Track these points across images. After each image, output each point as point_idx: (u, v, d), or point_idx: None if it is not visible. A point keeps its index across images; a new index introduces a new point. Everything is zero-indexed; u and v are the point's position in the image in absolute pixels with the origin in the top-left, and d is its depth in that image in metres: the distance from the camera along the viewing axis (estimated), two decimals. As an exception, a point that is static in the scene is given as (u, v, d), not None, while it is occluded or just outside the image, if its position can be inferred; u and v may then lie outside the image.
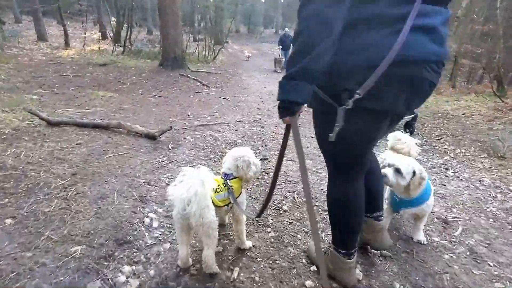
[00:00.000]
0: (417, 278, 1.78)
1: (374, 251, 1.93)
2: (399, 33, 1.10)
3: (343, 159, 1.48)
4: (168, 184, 2.29)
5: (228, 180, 1.79)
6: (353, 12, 1.15)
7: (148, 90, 7.21)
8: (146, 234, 1.94)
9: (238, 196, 1.80)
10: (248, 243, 1.92)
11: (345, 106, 1.22)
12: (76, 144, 3.14)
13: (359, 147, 1.43)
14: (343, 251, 1.63)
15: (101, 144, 3.22)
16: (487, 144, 4.54)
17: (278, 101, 1.26)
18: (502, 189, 3.09)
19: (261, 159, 3.20)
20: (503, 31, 8.09)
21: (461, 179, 3.29)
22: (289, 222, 2.24)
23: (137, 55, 12.95)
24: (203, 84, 8.69)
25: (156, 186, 2.50)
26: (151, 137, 3.57)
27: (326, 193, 1.63)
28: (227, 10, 21.97)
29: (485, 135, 5.01)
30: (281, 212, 2.37)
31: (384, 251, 1.95)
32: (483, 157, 4.06)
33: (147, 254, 1.79)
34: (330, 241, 1.72)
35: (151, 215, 2.13)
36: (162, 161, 3.00)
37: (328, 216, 1.89)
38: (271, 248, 1.95)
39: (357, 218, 1.57)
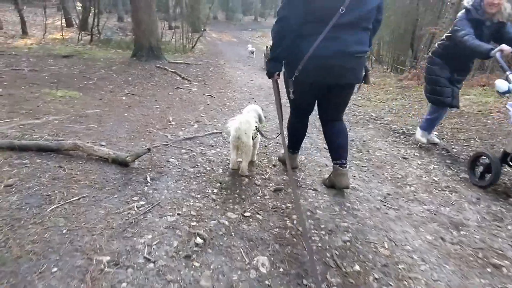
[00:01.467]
0: None
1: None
2: (315, 41, 2.13)
3: (295, 105, 2.70)
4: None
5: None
6: (298, 30, 2.20)
7: (120, 87, 6.09)
8: None
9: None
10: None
11: (291, 78, 2.34)
12: (4, 186, 2.07)
13: (301, 101, 2.59)
14: (291, 150, 2.91)
15: (46, 183, 2.18)
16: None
17: (267, 71, 2.47)
18: None
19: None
20: None
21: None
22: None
23: (107, 44, 11.57)
24: (183, 78, 7.63)
25: (129, 268, 1.54)
26: (121, 164, 2.60)
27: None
28: (204, -6, 20.56)
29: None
30: None
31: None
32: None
33: None
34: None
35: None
36: (137, 209, 2.02)
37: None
38: None
39: (299, 137, 2.87)
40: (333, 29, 2.06)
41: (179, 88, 6.58)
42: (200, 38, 14.28)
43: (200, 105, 5.24)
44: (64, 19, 14.13)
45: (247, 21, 32.26)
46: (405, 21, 10.72)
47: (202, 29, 15.79)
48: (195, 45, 13.26)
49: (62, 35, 12.06)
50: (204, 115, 4.67)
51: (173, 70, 8.18)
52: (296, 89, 2.37)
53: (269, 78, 2.42)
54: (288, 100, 2.66)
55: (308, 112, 2.67)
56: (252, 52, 13.15)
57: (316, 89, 2.41)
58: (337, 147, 2.51)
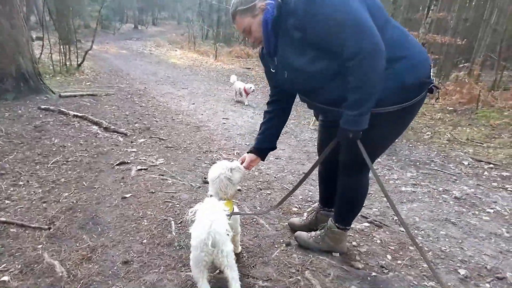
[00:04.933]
0: None
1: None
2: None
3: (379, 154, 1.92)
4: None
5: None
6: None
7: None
8: None
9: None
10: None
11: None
12: None
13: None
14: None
15: None
16: None
17: (355, 131, 1.55)
18: None
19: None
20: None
21: None
22: None
23: None
24: (108, 129, 4.22)
25: None
26: None
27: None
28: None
29: None
30: None
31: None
32: None
33: None
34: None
35: None
36: None
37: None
38: None
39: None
40: None
41: (103, 153, 3.33)
42: (79, 51, 10.05)
43: (172, 204, 2.27)
44: None
45: (126, 30, 27.41)
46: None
47: (76, 40, 11.36)
48: (82, 61, 9.16)
49: None
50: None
51: (78, 113, 4.60)
52: (399, 125, 1.73)
53: (352, 139, 1.59)
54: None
55: None
56: (249, 91, 6.47)
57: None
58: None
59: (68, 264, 1.80)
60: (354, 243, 2.15)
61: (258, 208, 2.59)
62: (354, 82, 1.46)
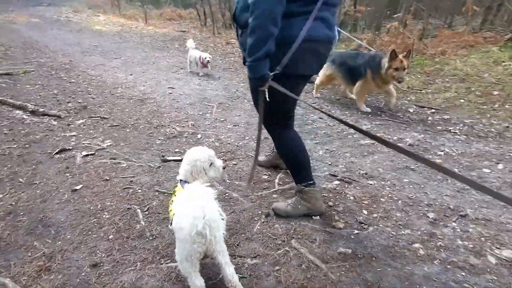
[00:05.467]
0: None
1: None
2: (306, 20, 1.58)
3: (281, 114, 1.92)
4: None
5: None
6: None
7: None
8: None
9: None
10: None
11: (273, 73, 1.61)
12: None
13: (289, 105, 1.91)
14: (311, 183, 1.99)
15: None
16: None
17: (255, 79, 1.62)
18: None
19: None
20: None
21: None
22: None
23: None
24: (30, 112, 3.65)
25: None
26: None
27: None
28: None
29: None
30: None
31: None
32: None
33: None
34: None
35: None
36: None
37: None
38: None
39: (305, 157, 1.99)
40: (322, 8, 1.61)
41: (63, 152, 2.89)
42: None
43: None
44: None
45: (33, -6, 23.58)
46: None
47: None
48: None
49: None
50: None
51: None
52: (279, 90, 1.63)
53: (260, 87, 1.65)
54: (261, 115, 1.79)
55: (293, 119, 2.04)
56: (205, 62, 5.63)
57: (301, 84, 1.93)
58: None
59: (24, 279, 1.54)
60: (330, 203, 2.16)
61: (227, 181, 2.46)
62: (250, 24, 1.50)
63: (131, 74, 5.67)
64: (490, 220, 2.01)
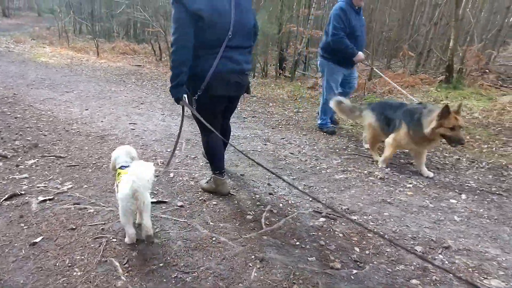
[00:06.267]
0: None
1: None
2: (215, 59, 2.31)
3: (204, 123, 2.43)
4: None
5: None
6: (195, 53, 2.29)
7: None
8: None
9: None
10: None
11: (195, 97, 2.42)
12: None
13: (211, 116, 2.53)
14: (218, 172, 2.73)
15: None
16: None
17: (174, 99, 2.40)
18: None
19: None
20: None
21: None
22: None
23: None
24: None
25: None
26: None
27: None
28: None
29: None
30: None
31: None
32: None
33: None
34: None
35: None
36: None
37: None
38: None
39: (220, 155, 2.79)
40: (226, 50, 2.34)
41: (14, 197, 2.51)
42: None
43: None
44: None
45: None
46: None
47: None
48: None
49: None
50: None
51: None
52: (203, 106, 2.46)
53: (178, 104, 2.46)
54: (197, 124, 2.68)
55: (217, 127, 2.64)
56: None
57: (222, 101, 2.59)
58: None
59: None
60: (321, 242, 2.12)
61: (211, 223, 2.30)
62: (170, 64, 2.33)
63: (87, 109, 5.30)
64: (470, 250, 2.11)
